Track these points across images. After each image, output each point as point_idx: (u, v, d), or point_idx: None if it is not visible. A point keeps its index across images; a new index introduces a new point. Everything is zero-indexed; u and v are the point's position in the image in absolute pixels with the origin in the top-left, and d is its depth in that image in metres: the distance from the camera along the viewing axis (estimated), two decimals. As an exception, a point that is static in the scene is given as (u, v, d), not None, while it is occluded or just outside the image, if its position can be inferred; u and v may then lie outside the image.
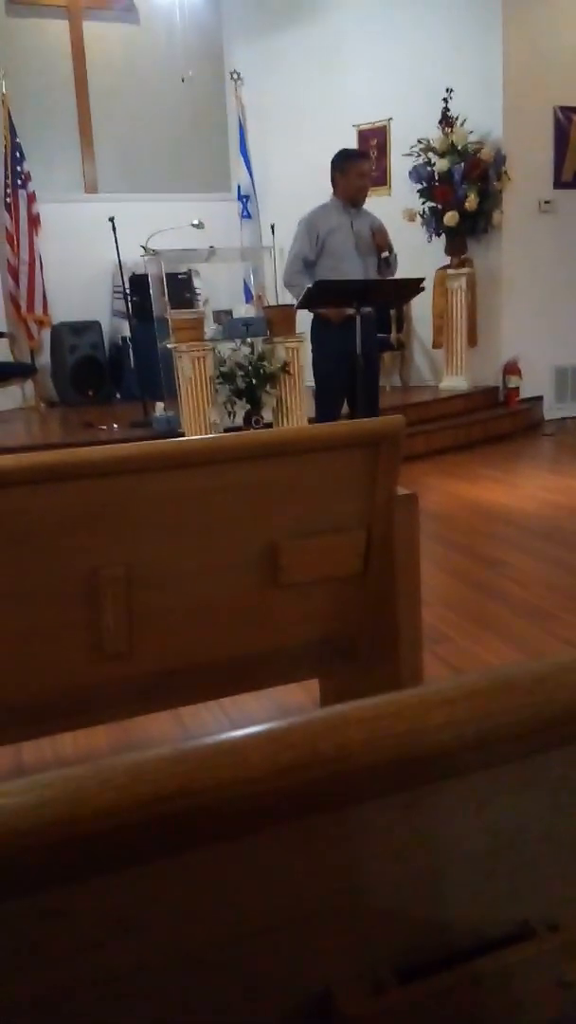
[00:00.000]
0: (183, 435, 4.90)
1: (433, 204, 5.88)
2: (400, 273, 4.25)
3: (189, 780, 0.50)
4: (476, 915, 0.70)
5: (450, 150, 5.76)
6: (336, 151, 4.24)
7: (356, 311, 3.78)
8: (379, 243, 4.08)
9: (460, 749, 0.56)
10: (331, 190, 4.18)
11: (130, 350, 6.54)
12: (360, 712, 0.54)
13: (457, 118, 5.82)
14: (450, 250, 6.04)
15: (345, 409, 4.29)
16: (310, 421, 4.75)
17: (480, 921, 0.70)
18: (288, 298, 4.57)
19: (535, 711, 0.57)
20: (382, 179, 6.49)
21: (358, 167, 4.08)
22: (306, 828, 0.58)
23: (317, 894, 0.63)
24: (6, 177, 6.45)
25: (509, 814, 0.66)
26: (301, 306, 3.91)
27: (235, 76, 6.93)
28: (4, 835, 0.48)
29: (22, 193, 6.49)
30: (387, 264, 4.13)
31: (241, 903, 0.61)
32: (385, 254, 4.09)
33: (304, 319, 4.48)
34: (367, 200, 4.23)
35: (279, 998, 0.65)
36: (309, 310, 4.13)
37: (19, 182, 6.48)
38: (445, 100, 5.80)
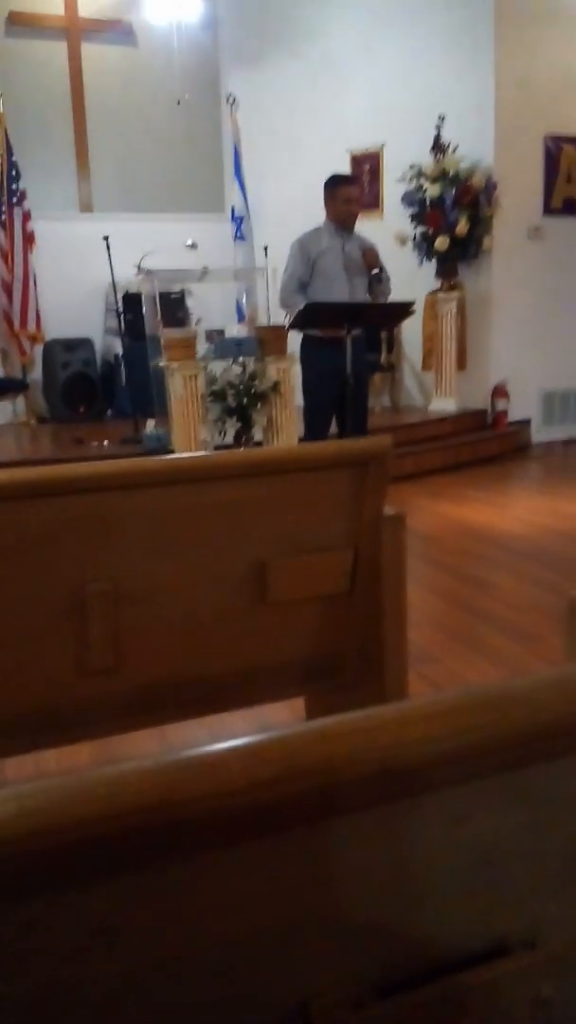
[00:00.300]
0: (173, 452, 4.92)
1: (424, 229, 5.96)
2: (391, 296, 4.30)
3: (169, 792, 0.51)
4: (454, 931, 0.70)
5: (442, 176, 5.86)
6: (328, 175, 4.32)
7: (347, 332, 3.82)
8: (369, 262, 4.13)
9: (438, 764, 0.57)
10: (324, 213, 4.25)
11: (122, 367, 6.57)
12: (339, 727, 0.55)
13: (449, 145, 5.92)
14: (440, 274, 6.12)
15: (333, 428, 4.32)
16: (300, 440, 4.78)
17: (458, 937, 0.70)
18: (282, 318, 4.62)
19: (512, 728, 0.58)
20: (375, 203, 6.58)
21: (345, 191, 4.15)
22: (285, 841, 0.58)
23: (296, 908, 0.63)
24: (1, 194, 6.50)
25: (487, 830, 0.67)
26: (293, 326, 3.95)
27: (231, 100, 7.02)
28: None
29: (17, 211, 6.54)
30: (378, 281, 4.18)
31: (220, 917, 0.62)
32: (375, 271, 4.13)
33: (295, 339, 4.53)
34: (360, 224, 4.29)
35: (258, 1012, 0.65)
36: (300, 331, 4.17)
37: (14, 200, 6.53)
38: (437, 127, 5.91)
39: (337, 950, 0.67)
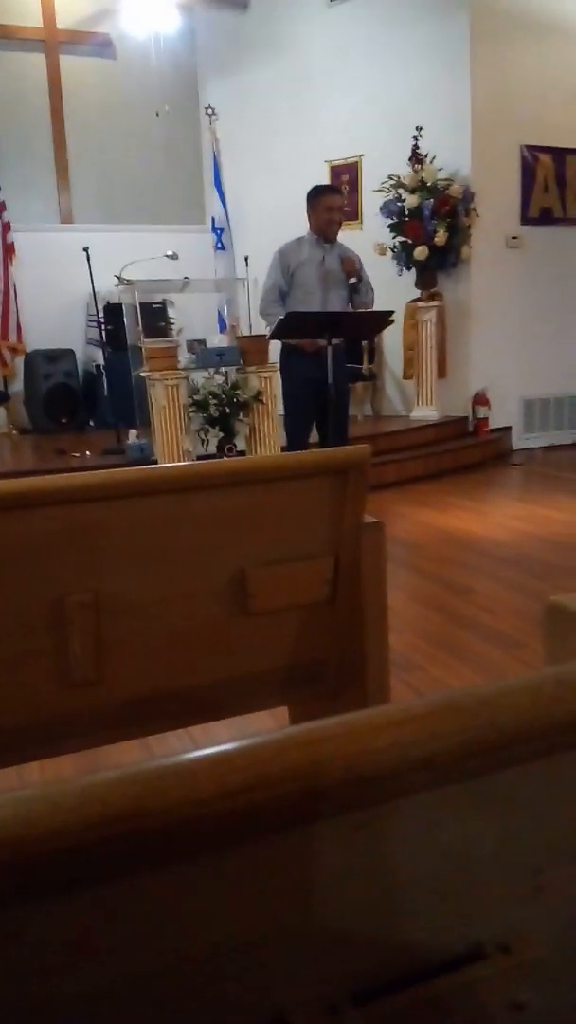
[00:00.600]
0: (156, 463, 4.91)
1: (403, 239, 6.02)
2: (374, 305, 4.33)
3: (138, 802, 0.51)
4: (429, 936, 0.71)
5: (420, 186, 5.91)
6: (310, 186, 4.34)
7: (327, 342, 3.84)
8: (346, 270, 4.15)
9: (406, 770, 0.57)
10: (306, 224, 4.26)
11: (104, 378, 6.56)
12: (307, 734, 0.56)
13: (427, 155, 5.98)
14: (420, 284, 6.17)
15: (314, 437, 4.34)
16: (283, 449, 4.79)
17: (433, 942, 0.71)
18: (263, 327, 4.63)
19: (479, 733, 0.59)
20: (354, 214, 6.63)
21: (327, 200, 4.17)
22: (257, 850, 0.59)
23: (270, 916, 0.64)
24: (-19, 206, 6.50)
25: (459, 835, 0.67)
26: (273, 336, 3.97)
27: (210, 111, 7.06)
28: (-46, 858, 0.48)
29: (-3, 222, 6.54)
30: (356, 291, 4.18)
31: (194, 927, 0.62)
32: (353, 280, 4.14)
33: (276, 348, 4.54)
34: (340, 234, 4.31)
35: (234, 1021, 0.66)
36: (280, 341, 4.19)
37: (-6, 212, 6.53)
38: (415, 138, 5.97)
39: (312, 957, 0.67)
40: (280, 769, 0.54)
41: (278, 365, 4.47)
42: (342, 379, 4.16)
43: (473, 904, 0.71)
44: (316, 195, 4.21)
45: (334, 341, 3.93)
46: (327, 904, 0.65)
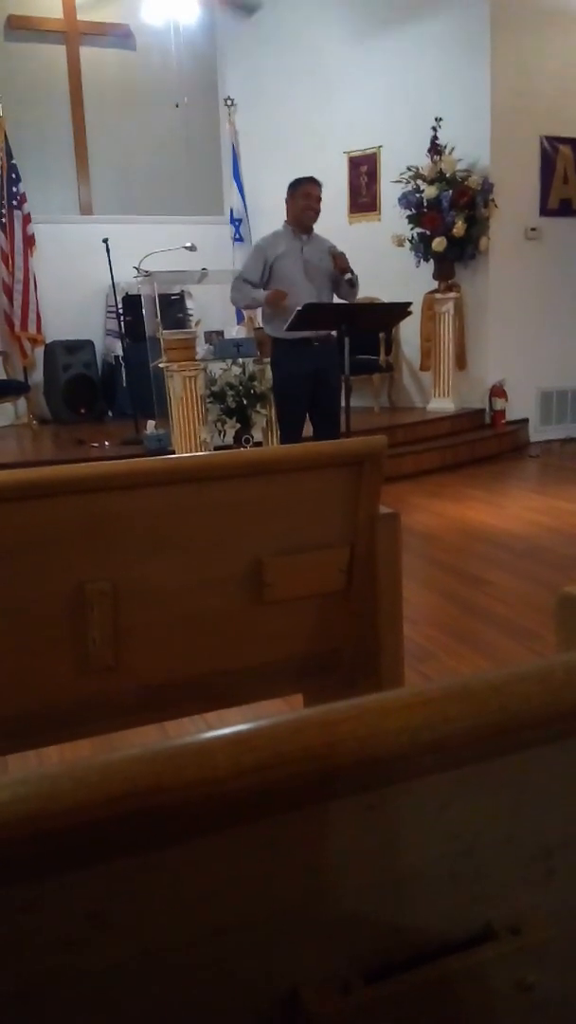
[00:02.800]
0: (174, 453, 4.95)
1: (422, 230, 5.99)
2: (388, 297, 4.32)
3: (157, 779, 0.53)
4: (440, 917, 0.72)
5: (438, 178, 5.88)
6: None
7: (339, 333, 3.83)
8: (341, 266, 4.10)
9: (418, 752, 0.59)
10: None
11: (122, 369, 6.60)
12: (322, 716, 0.57)
13: (446, 147, 5.94)
14: (438, 275, 6.14)
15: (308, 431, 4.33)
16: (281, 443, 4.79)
17: (443, 923, 0.72)
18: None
19: (489, 717, 0.60)
20: (372, 205, 6.61)
21: (305, 188, 4.11)
22: (272, 828, 0.60)
23: (283, 894, 0.65)
24: (2, 198, 6.53)
25: (470, 817, 0.69)
26: (290, 328, 3.96)
27: (229, 102, 7.05)
28: (-19, 830, 0.50)
29: (17, 214, 6.57)
30: (350, 285, 4.15)
31: (209, 903, 0.64)
32: (348, 276, 4.11)
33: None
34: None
35: (246, 997, 0.67)
36: (274, 333, 4.15)
37: (15, 203, 6.56)
38: (434, 129, 5.93)
39: (324, 935, 0.69)
40: (295, 749, 0.55)
41: (269, 360, 4.45)
42: (334, 373, 4.14)
43: (483, 886, 0.72)
44: (295, 184, 4.16)
45: (320, 333, 3.93)
46: (339, 883, 0.67)
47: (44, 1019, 0.62)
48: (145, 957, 0.63)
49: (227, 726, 0.57)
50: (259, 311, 4.55)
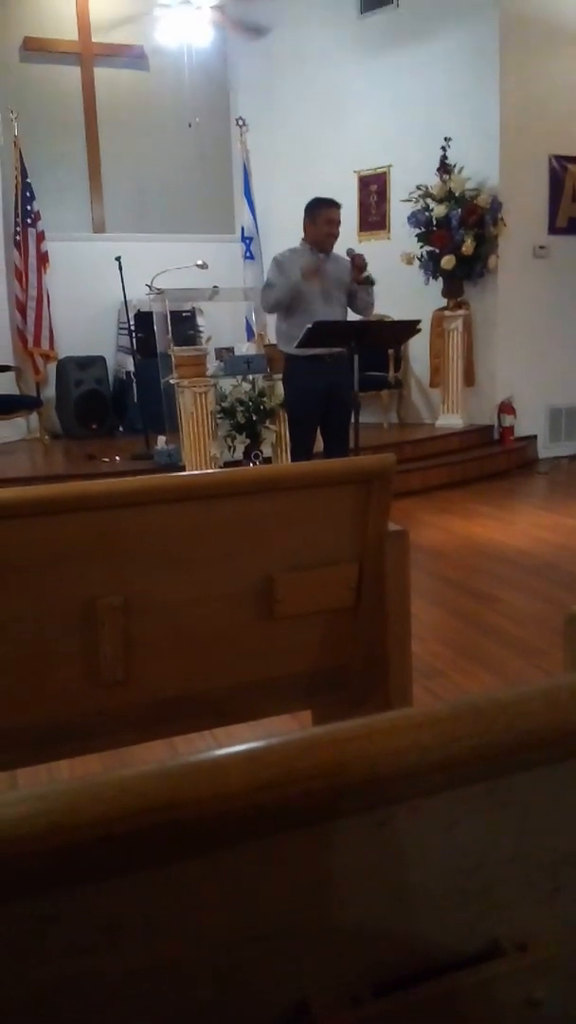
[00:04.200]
0: (184, 468, 4.97)
1: (431, 248, 6.03)
2: (398, 314, 4.34)
3: (173, 794, 0.54)
4: (448, 933, 0.73)
5: (448, 196, 5.93)
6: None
7: (349, 349, 3.85)
8: (358, 264, 4.08)
9: (427, 770, 0.60)
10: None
11: (133, 385, 6.65)
12: (333, 734, 0.59)
13: (455, 165, 5.99)
14: (447, 293, 6.18)
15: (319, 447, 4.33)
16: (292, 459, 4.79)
17: (452, 938, 0.73)
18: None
19: (497, 737, 0.62)
20: (382, 223, 6.66)
21: (327, 213, 4.11)
22: (284, 843, 0.62)
23: (295, 909, 0.66)
24: (16, 215, 6.63)
25: (478, 835, 0.70)
26: (301, 345, 4.00)
27: (240, 122, 7.14)
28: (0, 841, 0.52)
29: (31, 231, 6.66)
30: (369, 283, 4.12)
31: (221, 916, 0.65)
32: (366, 274, 4.10)
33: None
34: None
35: (257, 1009, 0.68)
36: (292, 350, 4.17)
37: (29, 220, 6.65)
38: (444, 148, 5.98)
39: (334, 949, 0.70)
40: (307, 766, 0.57)
41: (281, 376, 4.45)
42: (347, 390, 4.15)
43: (491, 902, 0.73)
44: (316, 207, 4.15)
45: (335, 350, 3.94)
46: (349, 898, 0.68)
47: (60, 1022, 0.63)
48: (158, 968, 0.64)
49: (235, 742, 0.58)
50: (273, 328, 4.56)
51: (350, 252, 4.16)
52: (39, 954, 0.60)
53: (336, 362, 4.02)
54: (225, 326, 6.81)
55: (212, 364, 5.28)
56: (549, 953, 0.74)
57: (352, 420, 4.01)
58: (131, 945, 0.62)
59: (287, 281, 4.06)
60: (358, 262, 4.10)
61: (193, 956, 0.64)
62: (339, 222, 4.18)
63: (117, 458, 5.71)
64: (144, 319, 6.34)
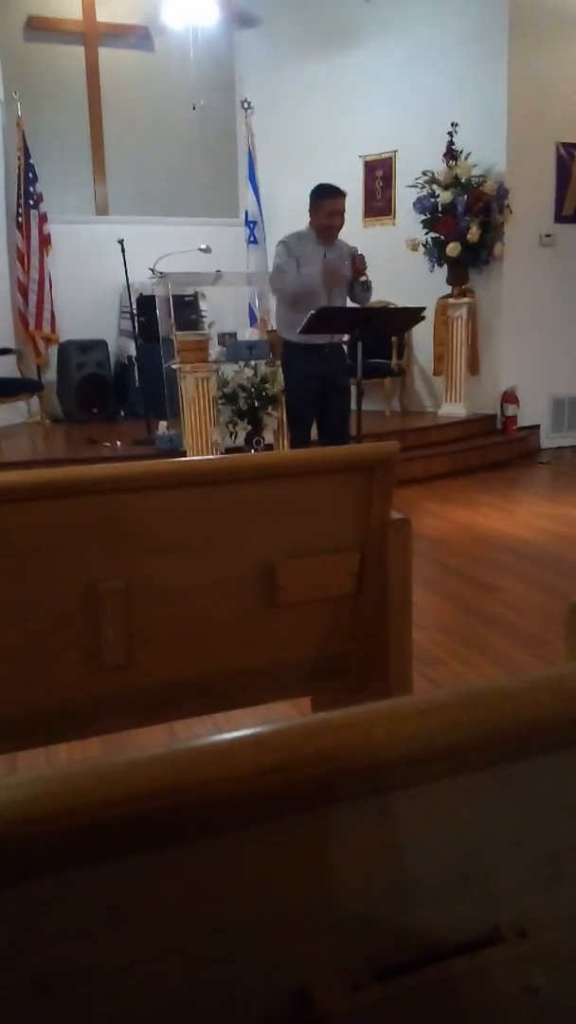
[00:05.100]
0: (185, 454, 4.97)
1: (436, 235, 5.99)
2: (402, 301, 4.32)
3: (179, 777, 0.54)
4: (449, 918, 0.73)
5: (454, 183, 5.89)
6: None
7: (352, 337, 3.84)
8: (357, 267, 4.08)
9: (430, 757, 0.60)
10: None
11: (135, 369, 6.63)
12: (339, 720, 0.59)
13: (461, 152, 5.95)
14: (452, 280, 6.15)
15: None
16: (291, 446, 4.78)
17: (452, 924, 0.74)
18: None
19: (500, 724, 0.62)
20: (387, 209, 6.62)
21: (331, 204, 4.08)
22: (287, 828, 0.62)
23: (297, 893, 0.67)
24: (19, 197, 6.58)
25: (480, 821, 0.70)
26: (304, 331, 3.98)
27: (246, 105, 7.08)
28: (5, 823, 0.52)
29: (34, 213, 6.62)
30: (364, 288, 4.14)
31: (223, 899, 0.65)
32: (363, 278, 4.10)
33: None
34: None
35: (259, 992, 0.69)
36: (290, 336, 4.15)
37: (31, 203, 6.61)
38: (450, 134, 5.94)
39: (335, 934, 0.70)
40: (312, 751, 0.57)
41: (280, 363, 4.44)
42: (343, 376, 4.13)
43: (491, 889, 0.74)
44: (320, 196, 4.11)
45: (335, 340, 3.92)
46: (351, 883, 0.69)
47: (60, 1009, 0.64)
48: (161, 951, 0.65)
49: (235, 727, 0.59)
50: (273, 313, 4.55)
51: (352, 252, 4.16)
52: (43, 935, 0.60)
53: (334, 351, 4.01)
54: (228, 311, 6.78)
55: (214, 349, 5.26)
56: (549, 940, 0.75)
57: (353, 407, 4.00)
58: (134, 928, 0.62)
59: (297, 271, 4.04)
60: (357, 264, 4.09)
61: (194, 939, 0.65)
62: (343, 212, 4.14)
63: (118, 443, 5.70)
64: (146, 303, 6.31)
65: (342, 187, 4.18)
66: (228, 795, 0.55)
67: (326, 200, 4.09)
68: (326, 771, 0.57)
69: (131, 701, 1.70)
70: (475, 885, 0.73)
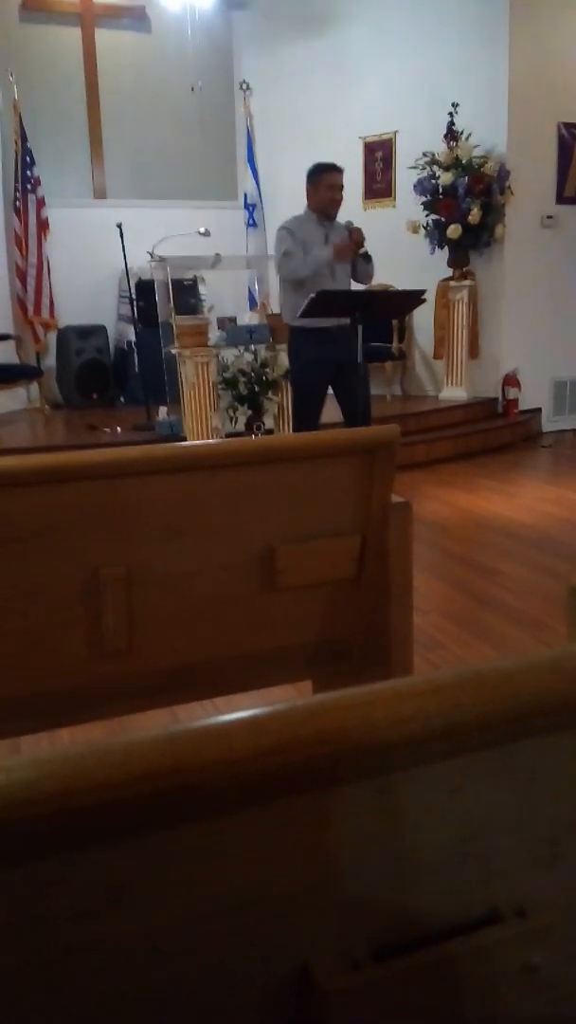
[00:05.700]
0: (185, 439, 4.96)
1: (437, 217, 5.95)
2: (402, 284, 4.29)
3: (178, 759, 0.54)
4: (448, 898, 0.74)
5: (455, 164, 5.84)
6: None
7: (353, 320, 3.81)
8: (355, 240, 4.04)
9: (430, 737, 0.60)
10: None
11: (135, 354, 6.60)
12: (337, 701, 0.59)
13: (462, 133, 5.89)
14: (452, 262, 6.11)
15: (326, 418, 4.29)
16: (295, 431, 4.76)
17: (452, 905, 0.74)
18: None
19: (501, 705, 0.62)
20: (387, 191, 6.56)
21: (330, 178, 4.06)
22: (287, 809, 0.62)
23: (296, 874, 0.67)
24: (16, 181, 6.53)
25: (480, 802, 0.70)
26: (304, 315, 3.95)
27: (244, 86, 7.01)
28: (6, 805, 0.52)
29: (31, 197, 6.57)
30: (365, 260, 4.10)
31: (224, 881, 0.65)
32: (363, 250, 4.06)
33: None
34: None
35: (259, 971, 0.69)
36: (296, 320, 4.13)
37: (29, 187, 6.56)
38: (451, 115, 5.88)
39: (335, 914, 0.70)
40: (310, 732, 0.57)
41: (286, 347, 4.42)
42: (355, 356, 4.10)
43: (491, 869, 0.74)
44: (318, 172, 4.09)
45: (343, 322, 3.89)
46: (351, 863, 0.69)
47: (64, 989, 0.64)
48: (162, 931, 0.65)
49: (236, 710, 0.58)
50: (275, 298, 4.52)
51: (349, 225, 4.12)
52: (45, 917, 0.60)
53: (342, 332, 3.98)
54: (227, 295, 6.75)
55: (214, 334, 5.24)
56: (548, 920, 0.75)
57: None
58: (135, 908, 0.63)
59: (309, 255, 4.00)
60: (355, 237, 4.05)
61: (196, 920, 0.65)
62: (342, 187, 4.12)
63: (118, 429, 5.69)
64: (145, 287, 6.28)
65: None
66: (227, 777, 0.56)
67: (324, 174, 4.07)
68: (325, 752, 0.57)
69: (132, 686, 1.71)
70: (475, 865, 0.73)
